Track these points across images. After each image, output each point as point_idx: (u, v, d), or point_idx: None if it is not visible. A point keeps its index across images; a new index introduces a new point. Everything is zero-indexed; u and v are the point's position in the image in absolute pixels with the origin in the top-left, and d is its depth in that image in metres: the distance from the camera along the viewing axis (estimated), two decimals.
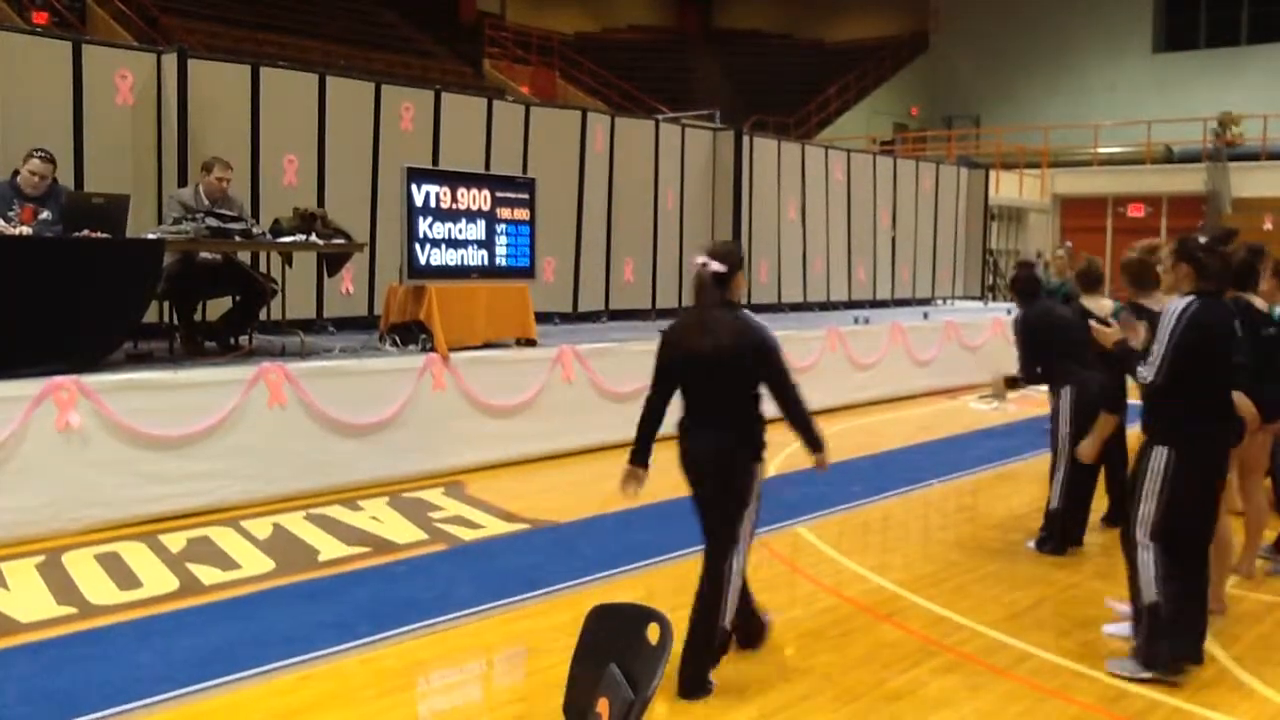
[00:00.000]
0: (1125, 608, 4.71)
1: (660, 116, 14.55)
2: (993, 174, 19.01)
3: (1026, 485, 7.64)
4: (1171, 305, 4.26)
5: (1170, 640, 4.24)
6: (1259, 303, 5.38)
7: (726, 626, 4.16)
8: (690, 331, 4.23)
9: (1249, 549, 5.59)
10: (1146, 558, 4.29)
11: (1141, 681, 4.21)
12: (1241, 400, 4.85)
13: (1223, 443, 4.37)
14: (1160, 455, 4.27)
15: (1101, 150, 24.37)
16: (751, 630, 4.49)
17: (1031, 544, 6.09)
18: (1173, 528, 4.26)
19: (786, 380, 4.19)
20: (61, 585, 5.14)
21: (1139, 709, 4.01)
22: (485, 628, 4.76)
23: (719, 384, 4.19)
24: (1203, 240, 4.35)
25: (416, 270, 8.04)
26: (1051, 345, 6.02)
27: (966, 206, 17.65)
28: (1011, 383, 6.32)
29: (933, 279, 16.88)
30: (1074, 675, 4.30)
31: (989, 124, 28.43)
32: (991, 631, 4.77)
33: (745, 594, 4.35)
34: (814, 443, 4.25)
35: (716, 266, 4.15)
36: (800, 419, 4.22)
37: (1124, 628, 4.69)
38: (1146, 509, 4.29)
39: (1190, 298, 4.24)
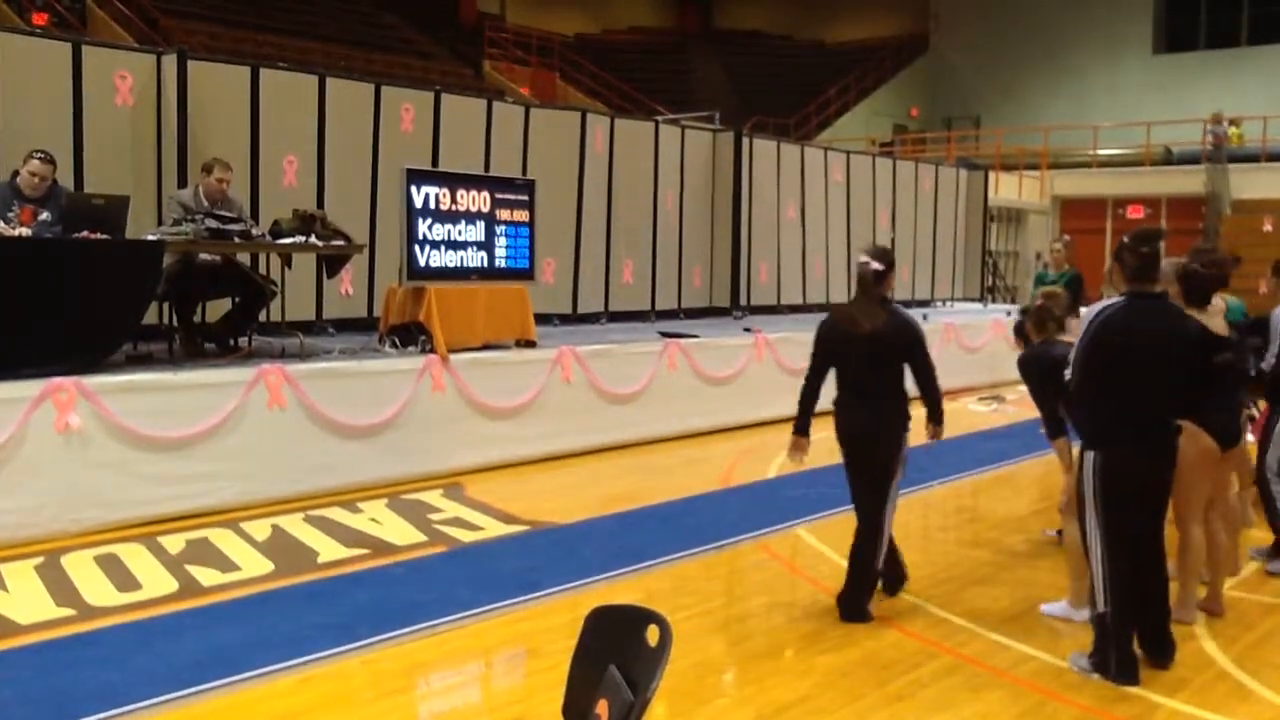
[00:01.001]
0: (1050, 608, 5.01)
1: (660, 118, 14.56)
2: (992, 175, 19.01)
3: (1027, 487, 7.64)
4: (1093, 306, 4.31)
5: (1118, 650, 4.23)
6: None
7: (878, 568, 4.97)
8: (852, 320, 4.85)
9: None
10: (1096, 567, 4.28)
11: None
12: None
13: (1155, 446, 4.25)
14: (1090, 460, 4.24)
15: (1101, 152, 24.37)
16: (894, 576, 5.20)
17: (1052, 532, 6.10)
18: (1118, 533, 4.22)
19: (929, 364, 4.93)
20: (61, 587, 5.13)
21: (1138, 711, 4.01)
22: (485, 629, 4.76)
23: (877, 365, 4.83)
24: (1126, 239, 4.31)
25: (416, 272, 8.04)
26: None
27: (966, 208, 17.66)
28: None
29: (932, 280, 16.88)
30: (1073, 677, 4.30)
31: (989, 125, 28.44)
32: (992, 633, 4.77)
33: (892, 546, 5.06)
34: (939, 416, 5.00)
35: (876, 265, 4.81)
36: (934, 396, 4.97)
37: (1060, 607, 4.98)
38: (1089, 516, 4.27)
39: (1117, 299, 4.24)
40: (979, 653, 4.56)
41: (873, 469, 4.88)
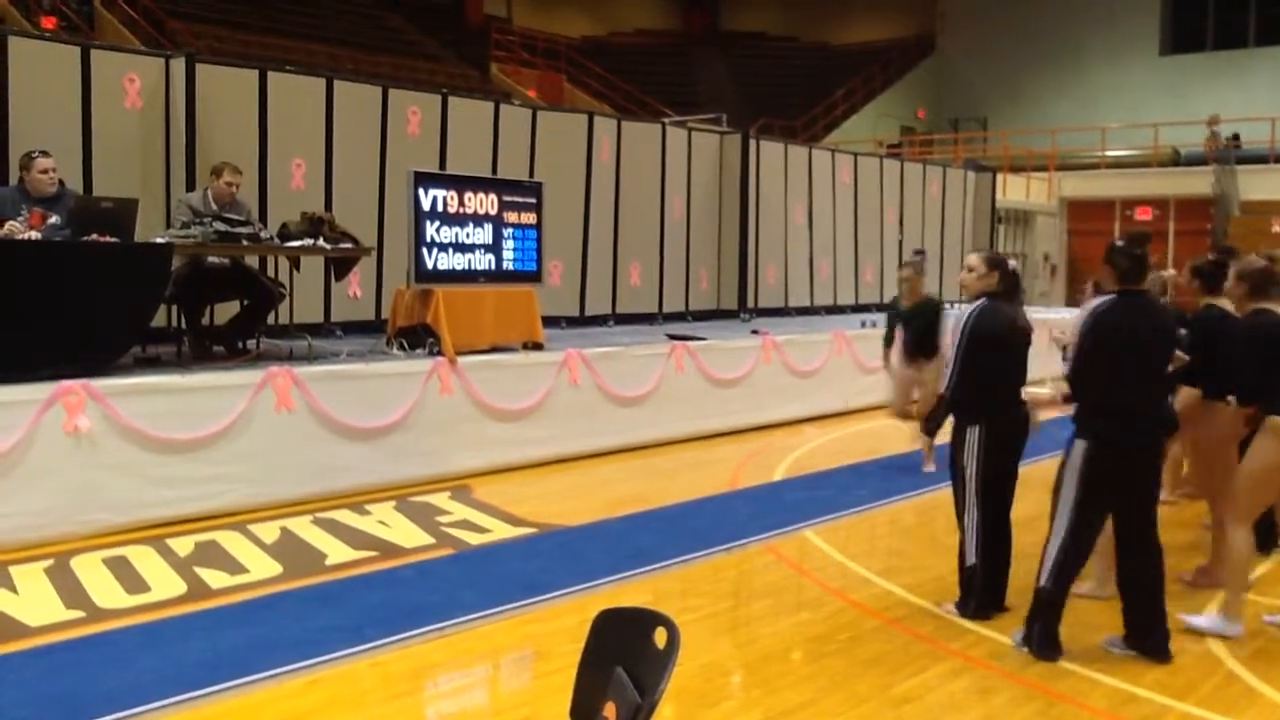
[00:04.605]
0: (1198, 620, 4.83)
1: (667, 120, 14.58)
2: (1000, 177, 18.98)
3: (1033, 489, 7.59)
4: (1086, 305, 4.58)
5: (1045, 630, 4.51)
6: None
7: None
8: (1015, 318, 5.04)
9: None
10: (1054, 543, 4.53)
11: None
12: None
13: (1143, 436, 4.48)
14: (1079, 449, 4.48)
15: (1109, 153, 24.33)
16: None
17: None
18: (1089, 520, 4.51)
19: None
20: (70, 589, 5.15)
21: (1148, 713, 4.01)
22: (492, 632, 4.77)
23: (1024, 362, 5.07)
24: (1118, 242, 4.55)
25: (423, 274, 8.05)
26: None
27: (973, 209, 17.65)
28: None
29: (940, 282, 16.87)
30: (1082, 679, 4.30)
31: (996, 126, 28.40)
32: (1000, 635, 4.76)
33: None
34: None
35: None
36: None
37: (1210, 620, 4.83)
38: (1065, 498, 4.54)
39: (1108, 298, 4.48)
40: (987, 655, 4.56)
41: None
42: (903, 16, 32.01)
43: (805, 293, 14.36)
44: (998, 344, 4.95)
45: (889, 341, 8.54)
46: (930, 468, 8.06)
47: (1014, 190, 22.34)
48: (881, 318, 12.64)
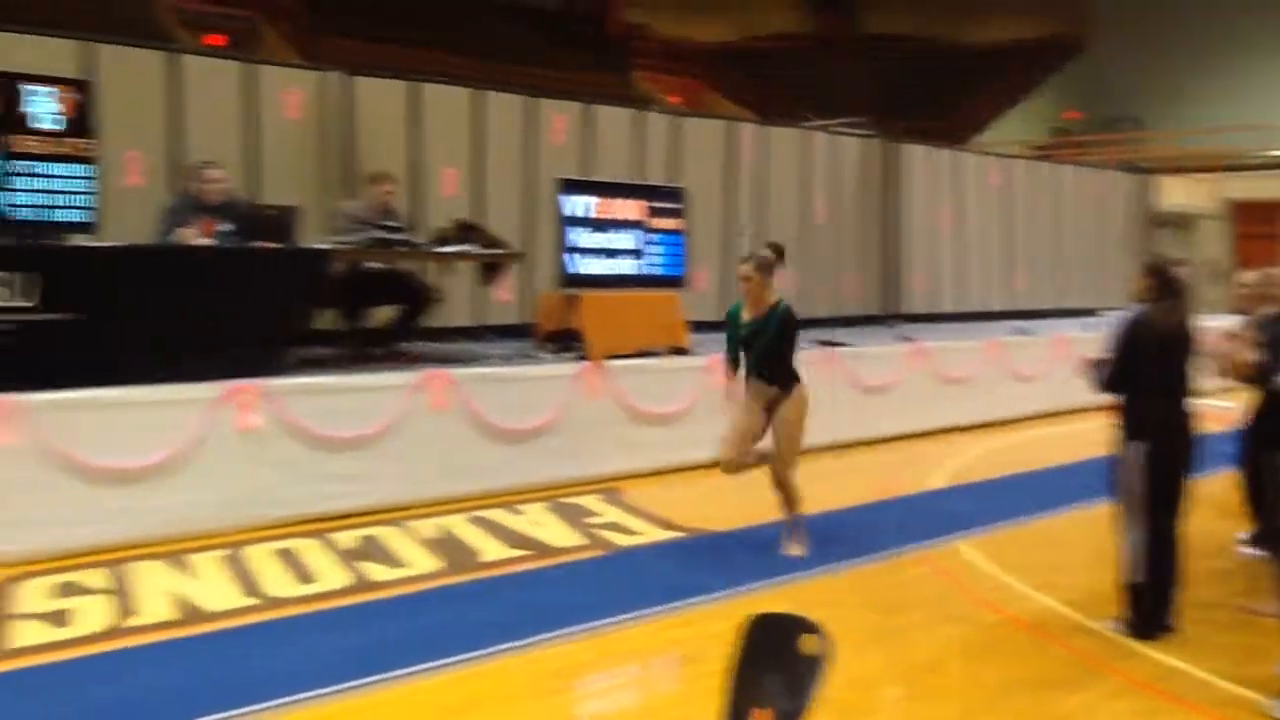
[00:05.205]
0: None
1: (808, 124, 14.47)
2: (1159, 179, 18.22)
3: (1201, 500, 7.27)
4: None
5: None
6: None
7: None
8: (1172, 327, 4.82)
9: None
10: None
11: None
12: None
13: None
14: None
15: (1277, 153, 23.07)
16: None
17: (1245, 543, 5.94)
18: None
19: None
20: (244, 577, 5.43)
21: None
22: (641, 633, 4.81)
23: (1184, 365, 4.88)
24: None
25: (569, 279, 8.18)
26: None
27: (1131, 213, 16.99)
28: None
29: (1097, 288, 16.27)
30: (1256, 709, 4.07)
31: (1152, 126, 27.25)
32: (1166, 656, 4.56)
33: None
34: None
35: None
36: None
37: None
38: None
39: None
40: (1150, 676, 4.37)
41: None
42: (1049, 14, 30.94)
43: (956, 298, 14.05)
44: (1149, 349, 4.78)
45: (734, 363, 6.09)
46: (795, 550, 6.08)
47: (1174, 193, 21.36)
48: (1034, 324, 12.18)
